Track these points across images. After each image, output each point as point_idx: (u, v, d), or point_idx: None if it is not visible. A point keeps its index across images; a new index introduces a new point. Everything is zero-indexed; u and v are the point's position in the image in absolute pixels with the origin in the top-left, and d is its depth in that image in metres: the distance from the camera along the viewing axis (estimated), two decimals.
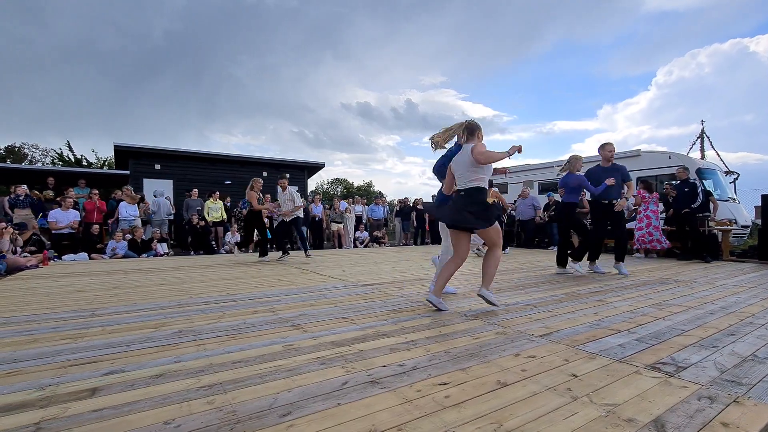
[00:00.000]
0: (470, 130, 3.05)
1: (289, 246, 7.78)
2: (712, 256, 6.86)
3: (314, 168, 16.10)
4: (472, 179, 2.91)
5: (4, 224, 6.55)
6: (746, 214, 9.69)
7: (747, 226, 9.48)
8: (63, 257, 7.77)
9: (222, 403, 1.44)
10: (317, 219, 11.29)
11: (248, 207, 7.28)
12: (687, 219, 7.05)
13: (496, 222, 2.98)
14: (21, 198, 8.18)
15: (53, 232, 8.08)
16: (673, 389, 1.57)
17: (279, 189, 7.31)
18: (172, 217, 10.20)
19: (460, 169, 2.98)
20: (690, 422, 1.31)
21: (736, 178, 11.00)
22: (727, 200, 9.42)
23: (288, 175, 7.34)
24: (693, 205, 6.96)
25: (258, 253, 7.47)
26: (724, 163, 15.80)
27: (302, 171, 15.47)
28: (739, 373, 1.74)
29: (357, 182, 36.55)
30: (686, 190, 7.11)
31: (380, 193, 32.07)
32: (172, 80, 72.76)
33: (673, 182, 8.97)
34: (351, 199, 13.16)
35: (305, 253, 7.43)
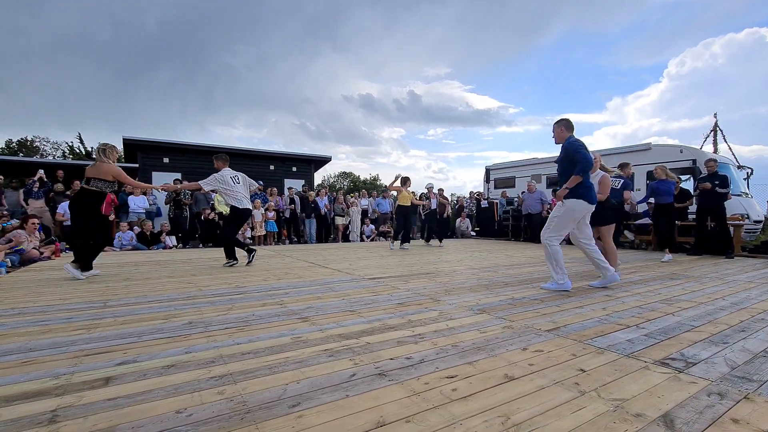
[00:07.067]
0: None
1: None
2: (723, 251, 6.75)
3: (321, 162, 16.12)
4: None
5: (36, 220, 6.73)
6: (759, 209, 9.48)
7: (759, 221, 9.29)
8: None
9: (232, 393, 1.47)
10: (322, 212, 11.32)
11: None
12: (714, 213, 6.78)
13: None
14: (35, 189, 8.27)
15: (64, 224, 8.19)
16: (682, 385, 1.56)
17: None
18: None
19: None
20: (699, 418, 1.30)
21: (749, 174, 10.72)
22: (739, 194, 9.24)
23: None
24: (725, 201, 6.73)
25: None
26: (735, 158, 15.52)
27: (309, 165, 15.52)
28: (750, 369, 1.73)
29: (363, 175, 36.49)
30: (717, 183, 6.76)
31: (386, 186, 32.05)
32: (170, 71, 72.39)
33: (683, 176, 8.84)
34: (357, 193, 13.14)
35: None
